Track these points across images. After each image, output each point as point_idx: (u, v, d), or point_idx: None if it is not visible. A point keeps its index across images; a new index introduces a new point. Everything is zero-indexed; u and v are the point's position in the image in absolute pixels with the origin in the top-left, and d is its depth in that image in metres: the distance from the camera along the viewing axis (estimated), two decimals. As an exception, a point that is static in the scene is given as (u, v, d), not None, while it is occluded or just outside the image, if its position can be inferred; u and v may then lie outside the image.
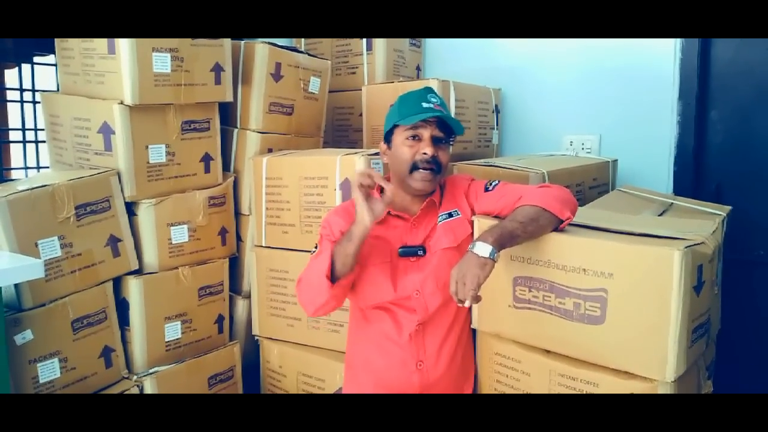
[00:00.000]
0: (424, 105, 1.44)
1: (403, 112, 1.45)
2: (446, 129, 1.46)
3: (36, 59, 2.29)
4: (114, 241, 1.80)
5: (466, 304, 1.20)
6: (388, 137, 1.51)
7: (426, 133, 1.44)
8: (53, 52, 2.00)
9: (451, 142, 1.51)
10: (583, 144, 2.38)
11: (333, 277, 1.35)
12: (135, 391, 1.83)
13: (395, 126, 1.47)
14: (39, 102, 2.12)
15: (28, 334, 1.57)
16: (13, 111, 2.30)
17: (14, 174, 2.30)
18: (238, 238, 2.19)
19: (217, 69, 1.93)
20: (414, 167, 1.43)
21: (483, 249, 1.22)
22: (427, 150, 1.42)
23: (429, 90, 1.49)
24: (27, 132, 2.29)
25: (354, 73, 2.56)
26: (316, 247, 1.51)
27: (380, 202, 1.33)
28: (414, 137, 1.44)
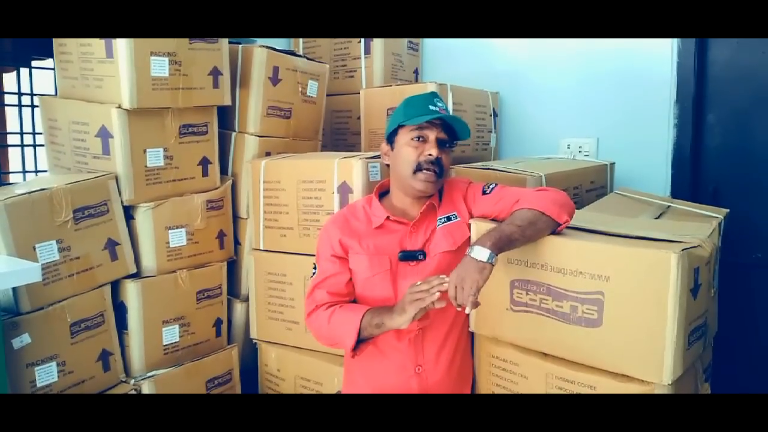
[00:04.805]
0: (431, 108, 1.45)
1: (409, 113, 1.46)
2: (450, 133, 1.47)
3: (34, 63, 2.28)
4: (112, 245, 1.79)
5: (467, 310, 1.20)
6: (391, 138, 1.52)
7: (432, 134, 1.44)
8: (51, 56, 1.99)
9: (452, 147, 1.52)
10: (580, 147, 2.39)
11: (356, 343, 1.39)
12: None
13: (399, 127, 1.48)
14: (37, 106, 2.11)
15: (25, 338, 1.57)
16: (11, 115, 2.30)
17: (12, 178, 2.30)
18: (236, 242, 2.19)
19: (215, 73, 1.93)
20: (418, 168, 1.44)
21: (481, 253, 1.22)
22: (433, 151, 1.43)
23: (435, 95, 1.51)
24: (25, 136, 2.29)
25: (352, 76, 2.57)
26: (315, 268, 1.52)
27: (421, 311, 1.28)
28: (419, 138, 1.45)
